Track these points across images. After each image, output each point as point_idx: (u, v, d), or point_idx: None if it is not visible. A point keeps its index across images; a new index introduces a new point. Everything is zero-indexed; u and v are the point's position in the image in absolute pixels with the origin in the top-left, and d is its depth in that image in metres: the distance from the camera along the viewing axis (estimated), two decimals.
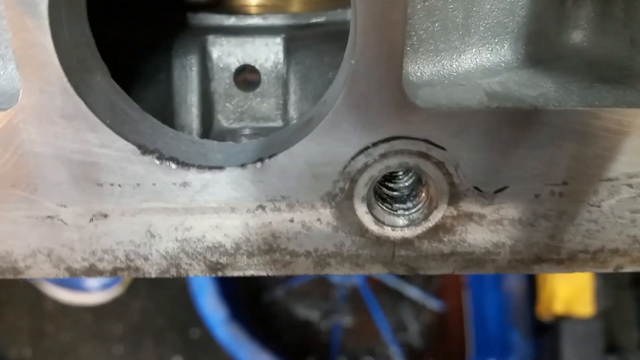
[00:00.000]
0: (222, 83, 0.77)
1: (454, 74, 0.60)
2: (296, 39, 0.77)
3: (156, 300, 3.04)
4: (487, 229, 0.57)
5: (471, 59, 0.60)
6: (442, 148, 0.53)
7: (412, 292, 2.90)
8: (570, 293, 2.23)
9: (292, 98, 0.74)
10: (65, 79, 0.50)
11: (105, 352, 2.98)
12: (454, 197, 0.56)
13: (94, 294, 2.94)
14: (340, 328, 2.95)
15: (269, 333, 2.82)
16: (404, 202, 0.59)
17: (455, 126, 0.52)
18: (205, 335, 2.85)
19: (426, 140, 0.53)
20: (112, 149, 0.53)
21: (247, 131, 0.79)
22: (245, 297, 2.88)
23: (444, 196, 0.55)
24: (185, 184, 0.55)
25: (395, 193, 0.59)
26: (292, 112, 0.75)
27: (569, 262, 0.60)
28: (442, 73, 0.60)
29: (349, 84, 0.50)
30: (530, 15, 0.62)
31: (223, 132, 0.78)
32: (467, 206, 0.56)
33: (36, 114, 0.52)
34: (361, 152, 0.54)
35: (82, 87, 0.51)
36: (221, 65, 0.76)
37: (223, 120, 0.79)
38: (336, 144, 0.53)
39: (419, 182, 0.58)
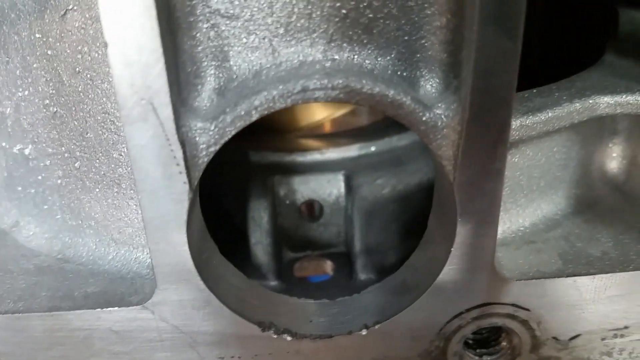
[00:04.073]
0: (288, 217, 0.83)
1: (522, 228, 0.67)
2: (355, 172, 0.83)
3: None
4: None
5: (533, 213, 0.68)
6: (527, 309, 0.61)
7: None
8: None
9: (357, 233, 0.81)
10: (198, 277, 0.55)
11: None
12: (535, 346, 0.63)
13: None
14: None
15: None
16: (486, 346, 0.66)
17: (539, 291, 0.60)
18: None
19: (513, 305, 0.60)
20: (235, 329, 0.59)
21: (311, 258, 0.85)
22: None
23: (526, 346, 0.63)
24: (297, 352, 0.61)
25: (476, 335, 0.66)
26: (357, 244, 0.81)
27: None
28: (511, 229, 0.67)
29: (450, 262, 0.57)
30: (579, 163, 0.71)
31: (290, 260, 0.84)
32: (546, 351, 0.64)
33: (169, 308, 0.57)
34: (456, 316, 0.61)
35: (210, 279, 0.57)
36: (287, 202, 0.82)
37: (290, 251, 0.84)
38: (435, 311, 0.60)
39: (499, 328, 0.65)
